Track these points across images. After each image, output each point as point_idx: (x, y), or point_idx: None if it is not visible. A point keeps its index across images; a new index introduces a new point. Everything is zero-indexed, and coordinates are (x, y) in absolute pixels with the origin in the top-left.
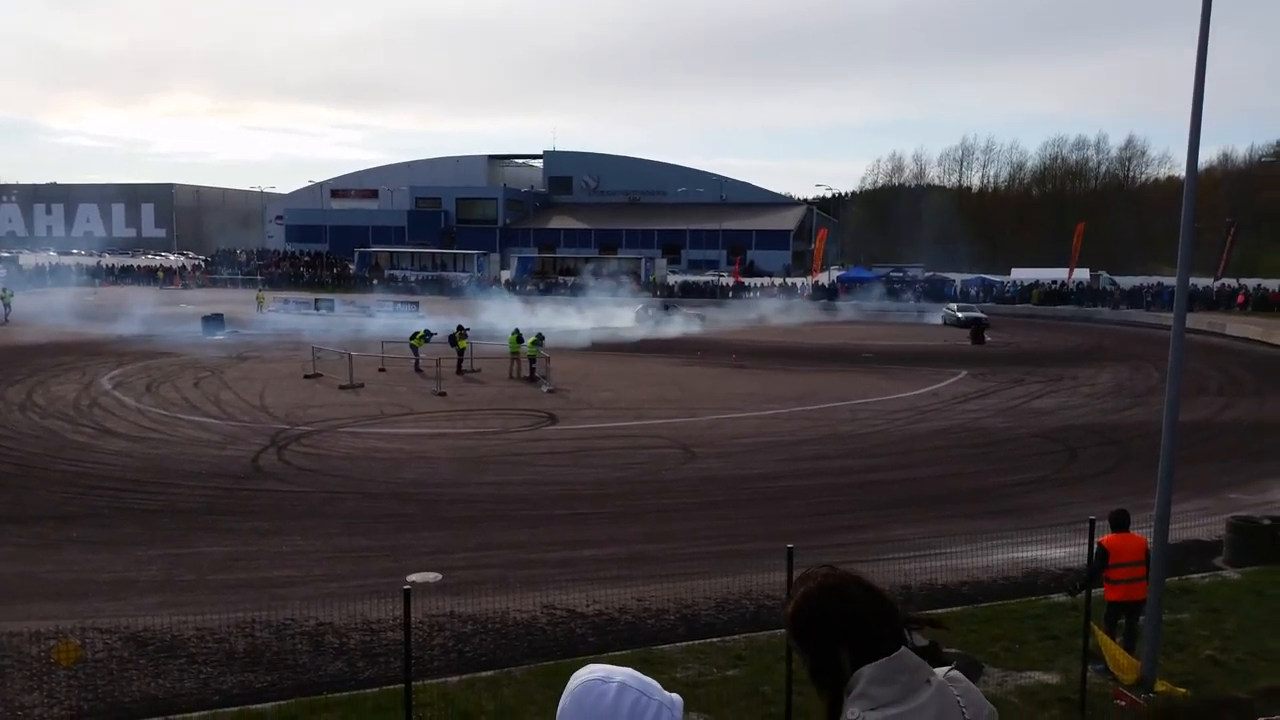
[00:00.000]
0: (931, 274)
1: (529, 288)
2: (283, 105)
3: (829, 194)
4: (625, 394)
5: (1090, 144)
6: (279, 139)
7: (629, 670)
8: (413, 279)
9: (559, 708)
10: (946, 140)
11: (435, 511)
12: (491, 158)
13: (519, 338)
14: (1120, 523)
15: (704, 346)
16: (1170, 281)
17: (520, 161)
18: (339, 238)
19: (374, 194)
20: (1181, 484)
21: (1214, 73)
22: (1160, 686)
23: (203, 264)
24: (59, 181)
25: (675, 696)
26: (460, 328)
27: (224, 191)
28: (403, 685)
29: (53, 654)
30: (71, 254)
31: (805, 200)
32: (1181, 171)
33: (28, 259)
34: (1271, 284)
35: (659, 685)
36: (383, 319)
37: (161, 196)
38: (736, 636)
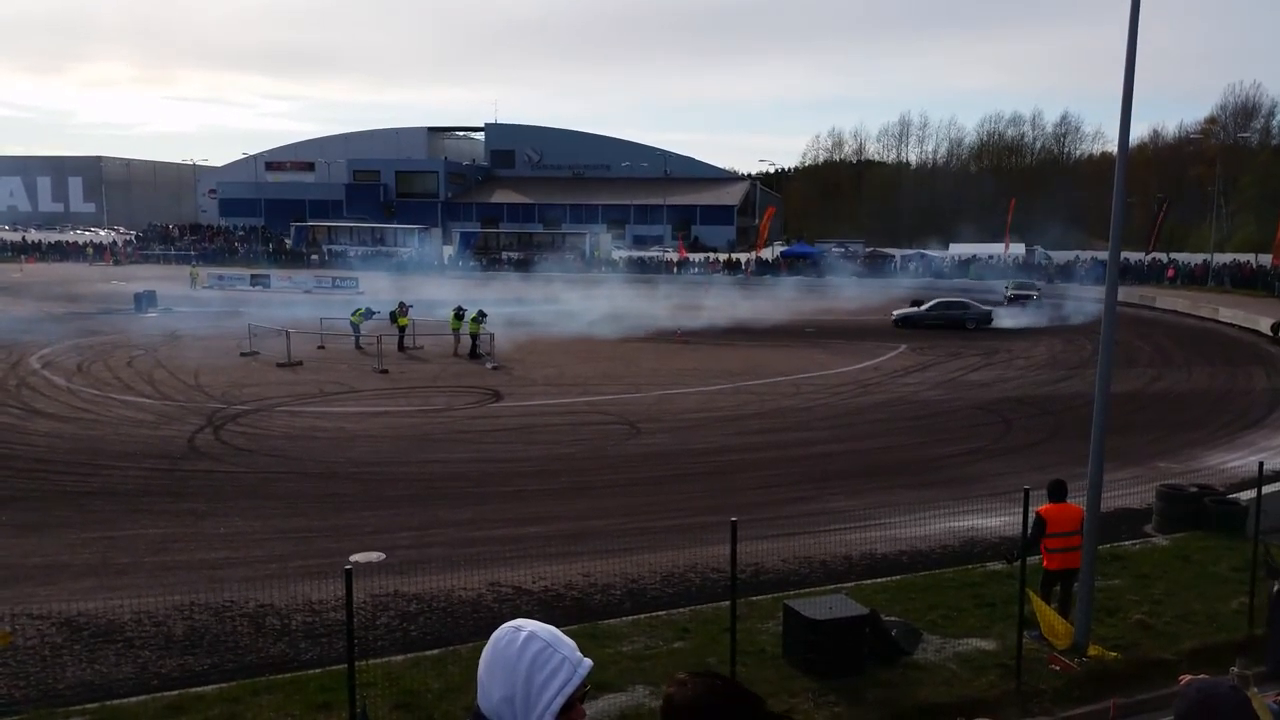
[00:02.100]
0: (872, 249)
1: (472, 263)
2: (211, 74)
3: (772, 169)
4: (570, 370)
5: (1026, 120)
6: (208, 110)
7: (546, 626)
8: (352, 254)
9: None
10: (885, 116)
11: (378, 491)
12: (431, 130)
13: (458, 315)
14: (1058, 493)
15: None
16: (1103, 256)
17: (461, 134)
18: (275, 211)
19: (310, 167)
20: (1113, 454)
21: (1145, 51)
22: (1093, 651)
23: (134, 239)
24: None
25: (586, 660)
26: (401, 304)
27: (155, 165)
28: (346, 665)
29: None
30: None
31: (749, 175)
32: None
33: None
34: (1199, 258)
35: (574, 645)
36: (321, 295)
37: (90, 169)
38: (682, 610)
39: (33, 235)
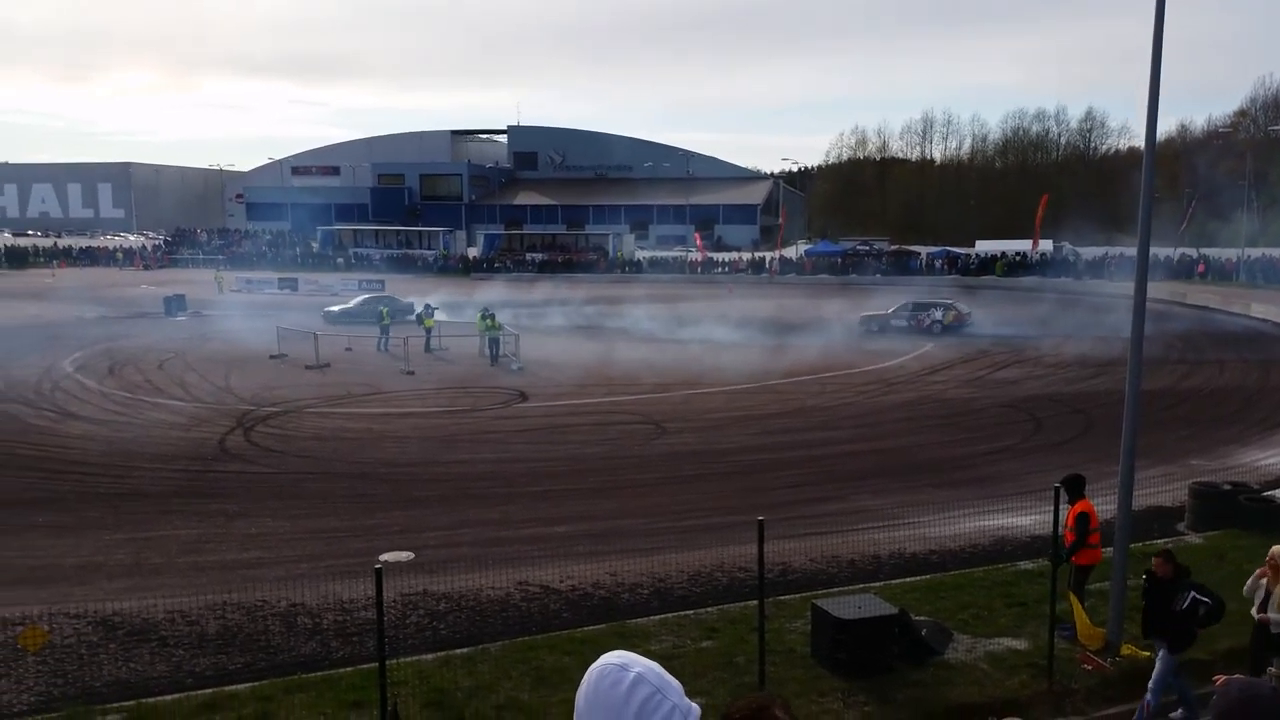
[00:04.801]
0: (897, 247)
1: (497, 265)
2: (236, 81)
3: (795, 168)
4: (595, 371)
5: (1050, 116)
6: (233, 115)
7: (652, 665)
8: (377, 257)
9: (579, 689)
10: (908, 113)
11: (406, 491)
12: (455, 133)
13: (485, 316)
14: (1082, 488)
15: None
16: (1131, 252)
17: (484, 137)
18: (301, 216)
19: (336, 171)
20: (1144, 451)
21: (1171, 43)
22: (1126, 650)
23: (163, 244)
24: (9, 161)
25: (695, 706)
26: (428, 306)
27: (183, 170)
28: (377, 664)
29: (19, 640)
30: (27, 235)
31: (772, 174)
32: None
33: None
34: (1230, 253)
35: (681, 689)
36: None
37: (119, 175)
38: (710, 609)
39: (64, 241)
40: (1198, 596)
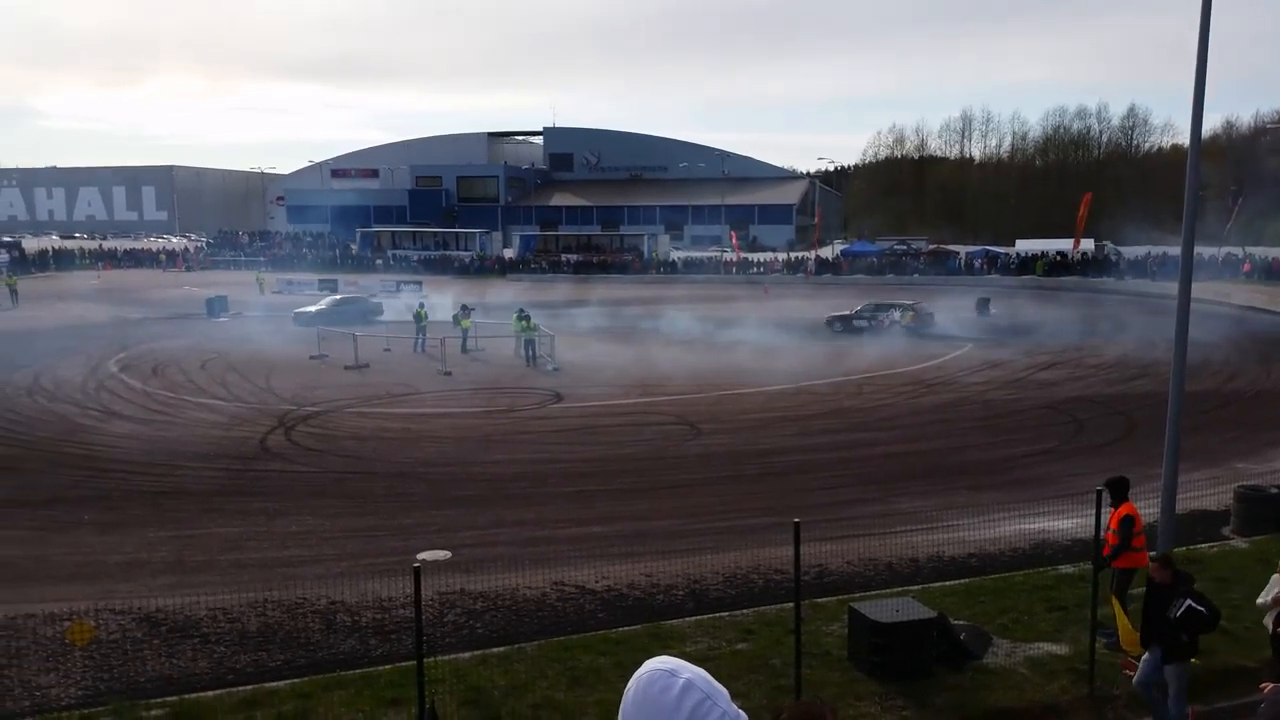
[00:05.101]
0: (935, 246)
1: (532, 266)
2: (276, 84)
3: (831, 167)
4: (630, 372)
5: (1091, 113)
6: (274, 119)
7: (700, 672)
8: (415, 258)
9: (625, 694)
10: (947, 112)
11: (443, 490)
12: (491, 135)
13: (521, 317)
14: (1126, 491)
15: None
16: (1175, 251)
17: (520, 138)
18: (341, 218)
19: (374, 173)
20: (1188, 454)
21: (1217, 38)
22: None
23: (205, 246)
24: (57, 165)
25: (742, 713)
26: (464, 307)
27: (225, 173)
28: (415, 662)
29: (67, 635)
30: (74, 238)
31: (808, 174)
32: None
33: (30, 244)
34: (1277, 252)
35: (728, 695)
36: (386, 299)
37: (162, 178)
38: (745, 611)
39: (109, 243)
40: (1193, 605)
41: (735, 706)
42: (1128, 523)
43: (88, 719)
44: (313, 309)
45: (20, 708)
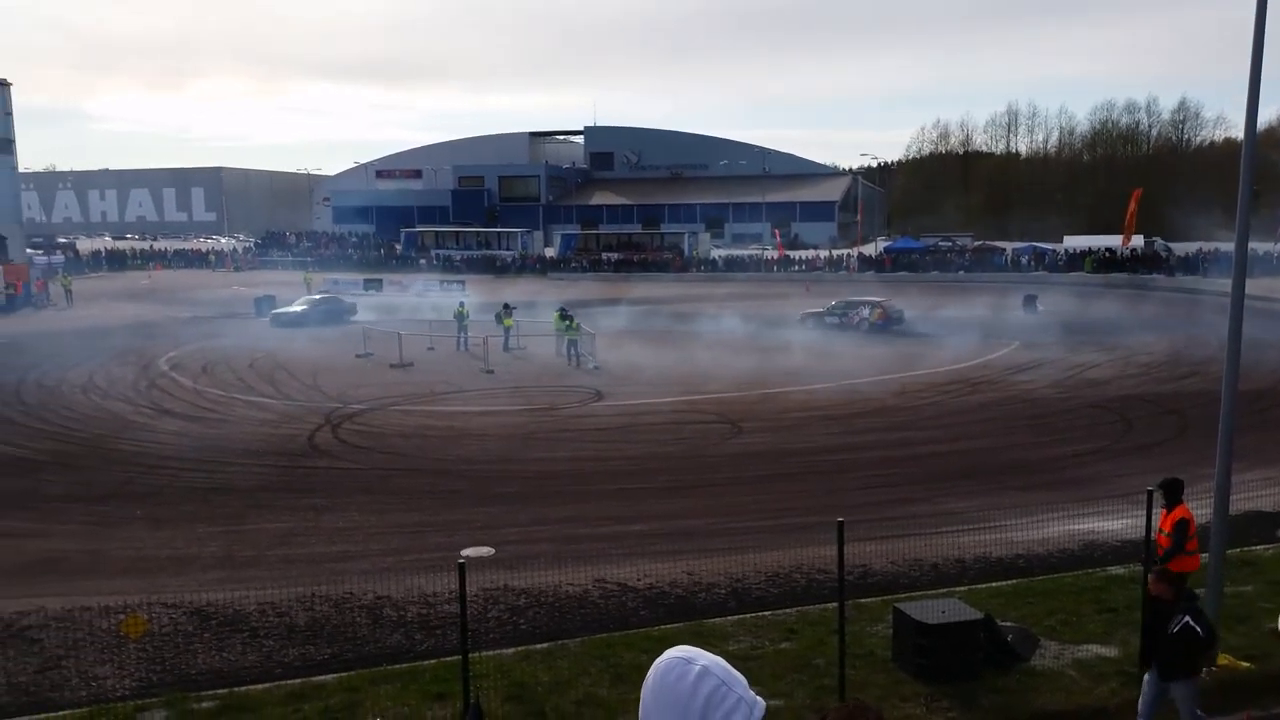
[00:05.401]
0: (981, 243)
1: (573, 265)
2: (321, 85)
3: (874, 163)
4: (671, 370)
5: (1140, 107)
6: (319, 120)
7: (717, 659)
8: (458, 258)
9: (644, 682)
10: (992, 106)
11: (486, 487)
12: (533, 135)
13: (563, 316)
14: (1180, 492)
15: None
16: (1226, 247)
17: (561, 138)
18: (385, 218)
19: (418, 174)
20: (1242, 454)
21: (1273, 26)
22: (1223, 660)
23: (253, 246)
24: (110, 168)
25: (760, 700)
26: (506, 305)
27: (272, 174)
28: (460, 657)
29: (121, 628)
30: (126, 239)
31: (850, 170)
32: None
33: (84, 245)
34: None
35: (745, 682)
36: (431, 298)
37: (211, 180)
38: (788, 610)
39: (159, 244)
40: (1190, 623)
41: (752, 693)
42: (1183, 526)
43: (142, 709)
44: (292, 310)
45: (78, 697)
